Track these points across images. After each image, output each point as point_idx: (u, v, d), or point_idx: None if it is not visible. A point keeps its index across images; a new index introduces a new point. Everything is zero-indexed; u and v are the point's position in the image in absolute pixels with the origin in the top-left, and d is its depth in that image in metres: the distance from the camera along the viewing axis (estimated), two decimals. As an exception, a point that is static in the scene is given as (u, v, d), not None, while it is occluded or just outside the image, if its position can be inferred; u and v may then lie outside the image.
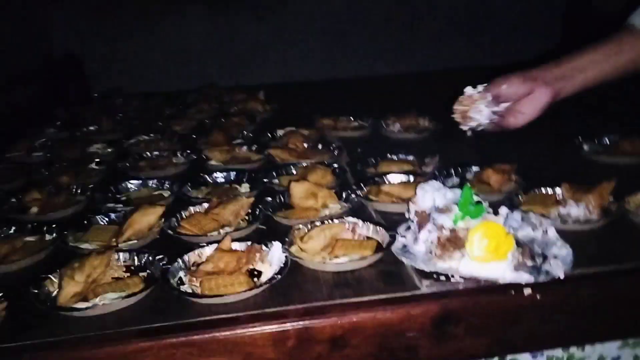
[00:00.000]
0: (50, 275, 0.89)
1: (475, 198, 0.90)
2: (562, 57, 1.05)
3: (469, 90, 1.08)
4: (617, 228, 1.00)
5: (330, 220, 1.03)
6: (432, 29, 2.87)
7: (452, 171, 1.27)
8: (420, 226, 0.94)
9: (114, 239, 1.04)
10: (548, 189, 1.13)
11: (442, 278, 0.85)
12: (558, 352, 0.89)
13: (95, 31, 2.67)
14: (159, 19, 2.70)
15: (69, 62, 2.49)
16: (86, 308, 0.81)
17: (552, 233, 0.94)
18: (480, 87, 1.08)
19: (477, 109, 1.07)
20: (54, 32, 2.58)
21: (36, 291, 0.85)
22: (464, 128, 1.11)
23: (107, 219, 1.13)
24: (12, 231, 1.08)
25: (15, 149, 1.63)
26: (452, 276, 0.85)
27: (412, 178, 1.23)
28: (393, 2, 2.77)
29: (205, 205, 1.14)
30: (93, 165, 1.48)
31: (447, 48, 2.90)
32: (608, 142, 1.43)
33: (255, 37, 2.75)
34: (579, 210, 1.01)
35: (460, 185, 0.95)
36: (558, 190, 1.11)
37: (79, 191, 1.29)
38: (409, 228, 1.00)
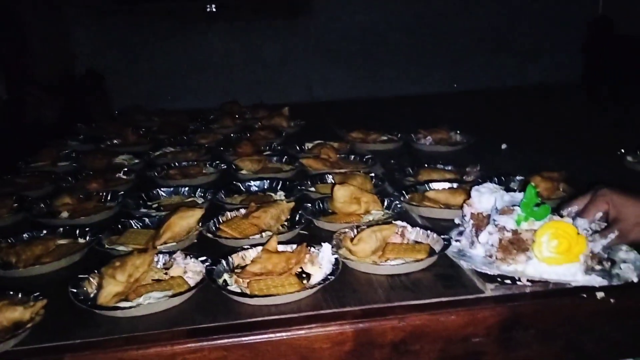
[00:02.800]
0: (88, 276, 0.85)
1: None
2: None
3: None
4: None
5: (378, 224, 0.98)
6: (454, 50, 2.86)
7: (496, 180, 1.22)
8: (478, 229, 0.89)
9: (150, 242, 0.99)
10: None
11: (508, 281, 0.80)
12: (630, 363, 0.83)
13: (117, 48, 2.67)
14: (180, 37, 2.71)
15: (90, 78, 2.48)
16: (130, 307, 0.76)
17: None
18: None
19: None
20: (77, 48, 2.59)
21: (75, 290, 0.80)
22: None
23: (141, 224, 1.09)
24: (43, 234, 1.04)
25: (40, 159, 1.60)
26: (519, 279, 0.80)
27: (455, 185, 1.18)
28: (417, 24, 2.77)
29: (243, 210, 1.10)
30: (121, 175, 1.45)
31: (469, 69, 2.88)
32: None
33: (278, 56, 2.74)
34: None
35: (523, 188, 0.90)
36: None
37: (108, 198, 1.26)
38: (461, 233, 0.95)
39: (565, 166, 1.24)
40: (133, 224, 1.09)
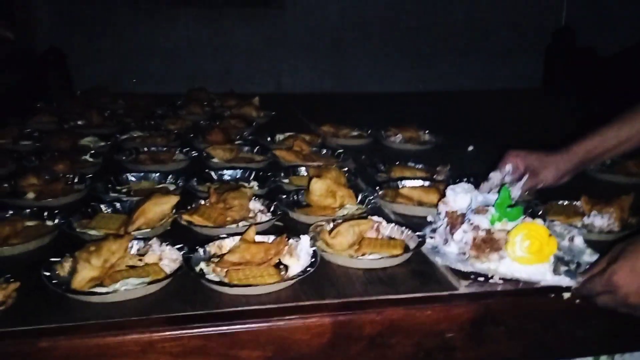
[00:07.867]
0: (60, 259, 0.82)
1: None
2: (583, 140, 1.09)
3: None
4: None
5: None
6: (425, 49, 2.91)
7: (465, 180, 1.25)
8: (452, 227, 0.91)
9: (122, 228, 0.97)
10: (566, 201, 1.12)
11: (481, 279, 0.83)
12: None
13: (81, 27, 2.58)
14: (148, 20, 2.64)
15: (51, 55, 2.39)
16: (107, 293, 0.75)
17: (579, 241, 0.94)
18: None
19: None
20: (38, 24, 2.49)
21: (48, 274, 0.78)
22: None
23: (111, 208, 1.06)
24: (9, 214, 1.00)
25: (1, 137, 1.54)
26: (492, 277, 0.83)
27: (427, 184, 1.21)
28: (388, 23, 2.79)
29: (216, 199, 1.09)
30: (87, 157, 1.41)
31: (436, 70, 2.94)
32: (609, 162, 1.45)
33: (248, 45, 2.71)
34: (602, 221, 1.01)
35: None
36: (576, 202, 1.11)
37: (75, 180, 1.22)
38: (434, 230, 0.97)
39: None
40: (103, 208, 1.06)
